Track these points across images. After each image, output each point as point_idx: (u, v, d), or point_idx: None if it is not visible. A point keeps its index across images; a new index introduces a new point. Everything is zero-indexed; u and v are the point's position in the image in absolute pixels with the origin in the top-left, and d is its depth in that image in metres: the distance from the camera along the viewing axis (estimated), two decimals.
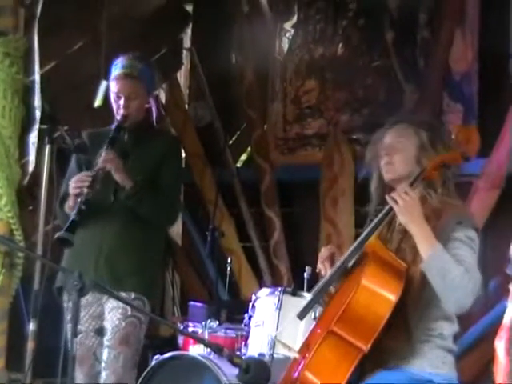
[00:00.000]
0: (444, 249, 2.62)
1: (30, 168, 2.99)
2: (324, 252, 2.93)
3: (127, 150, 3.50)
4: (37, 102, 2.74)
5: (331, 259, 2.90)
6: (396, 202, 2.68)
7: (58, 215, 3.51)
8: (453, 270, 2.58)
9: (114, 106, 3.52)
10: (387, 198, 2.74)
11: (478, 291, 2.61)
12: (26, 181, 2.95)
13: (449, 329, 2.74)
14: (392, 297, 2.58)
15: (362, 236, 2.80)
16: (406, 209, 2.66)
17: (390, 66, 5.60)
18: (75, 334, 2.33)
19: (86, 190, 3.34)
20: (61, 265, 3.36)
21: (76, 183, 3.38)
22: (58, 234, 3.28)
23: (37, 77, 2.69)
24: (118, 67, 3.52)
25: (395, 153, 2.84)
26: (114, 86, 3.51)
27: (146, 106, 3.58)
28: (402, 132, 2.88)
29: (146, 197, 3.45)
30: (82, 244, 3.38)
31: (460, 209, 2.81)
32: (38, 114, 2.77)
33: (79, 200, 3.34)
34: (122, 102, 3.48)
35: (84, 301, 3.43)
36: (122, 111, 3.48)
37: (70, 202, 3.44)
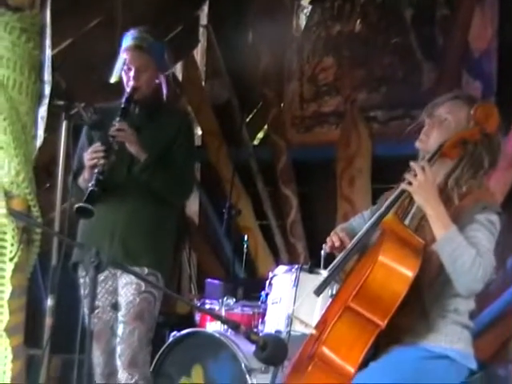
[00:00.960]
0: (458, 231, 2.60)
1: (38, 143, 2.98)
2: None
3: (139, 124, 3.50)
4: (46, 76, 2.73)
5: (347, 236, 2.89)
6: (410, 183, 2.66)
7: (72, 190, 3.51)
8: (464, 253, 2.56)
9: (125, 78, 3.53)
10: (406, 176, 2.71)
11: (490, 275, 2.58)
12: (34, 156, 2.94)
13: (465, 304, 2.72)
14: (409, 273, 2.57)
15: (378, 213, 2.78)
16: (420, 189, 2.64)
17: (408, 43, 5.57)
18: (93, 310, 2.35)
19: (102, 161, 3.35)
20: (76, 241, 3.38)
21: (91, 154, 3.39)
22: (77, 205, 3.29)
23: (48, 51, 2.68)
24: (128, 39, 3.53)
25: (438, 127, 2.80)
26: (123, 57, 3.52)
27: (156, 81, 3.57)
28: (456, 110, 2.81)
29: (160, 171, 3.45)
30: (96, 221, 3.38)
31: (485, 195, 2.75)
32: (47, 89, 2.76)
33: (96, 171, 3.34)
34: (132, 73, 3.49)
35: (100, 276, 3.45)
36: (131, 83, 3.48)
37: (85, 175, 3.45)
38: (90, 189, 3.32)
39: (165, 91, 3.61)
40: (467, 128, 2.76)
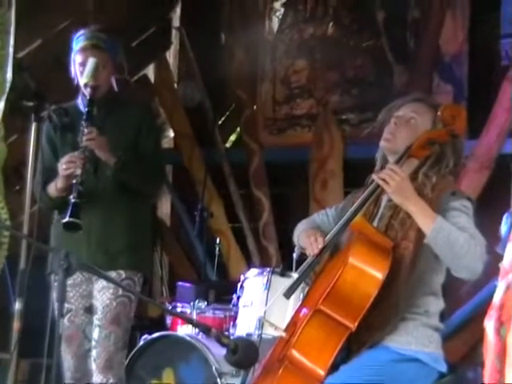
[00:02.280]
0: (444, 220, 2.61)
1: None
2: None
3: (100, 124, 3.46)
4: (9, 74, 2.71)
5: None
6: (386, 182, 2.66)
7: (41, 198, 3.47)
8: (459, 237, 2.57)
9: (81, 79, 3.48)
10: (375, 177, 2.72)
11: (485, 254, 2.60)
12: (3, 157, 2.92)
13: (435, 305, 2.73)
14: (379, 275, 2.57)
15: (347, 214, 2.78)
16: (398, 188, 2.65)
17: (380, 46, 5.59)
18: (62, 313, 2.32)
19: (79, 171, 3.31)
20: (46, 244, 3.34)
21: (67, 164, 3.35)
22: (65, 220, 3.25)
23: (10, 50, 2.66)
24: (81, 39, 3.49)
25: (404, 126, 2.80)
26: (79, 58, 3.47)
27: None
28: (421, 110, 2.83)
29: (133, 168, 3.43)
30: None
31: (451, 184, 2.79)
32: (7, 86, 2.73)
33: (75, 182, 3.30)
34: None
35: (73, 280, 3.43)
36: (91, 83, 3.44)
37: (58, 184, 3.40)
38: (73, 201, 3.27)
39: (115, 86, 3.57)
40: (435, 129, 2.77)
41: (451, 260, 2.61)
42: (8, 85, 2.69)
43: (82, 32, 3.51)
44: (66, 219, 3.25)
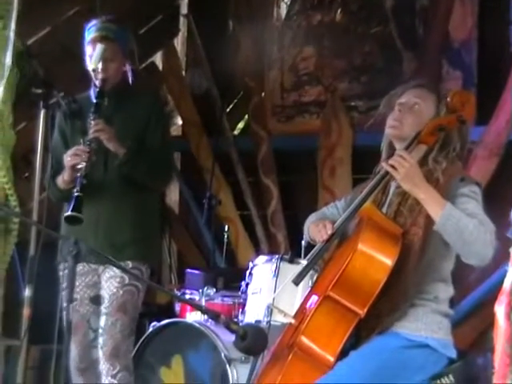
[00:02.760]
0: (453, 206, 2.61)
1: None
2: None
3: (110, 116, 3.47)
4: (8, 59, 2.71)
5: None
6: (395, 169, 2.65)
7: (50, 189, 3.48)
8: (468, 224, 2.57)
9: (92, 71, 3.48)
10: (384, 165, 2.72)
11: (495, 240, 2.59)
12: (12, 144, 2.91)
13: (444, 292, 2.73)
14: (388, 261, 2.57)
15: (356, 201, 2.77)
16: (408, 175, 2.64)
17: (388, 33, 5.56)
18: (71, 299, 2.33)
19: (84, 164, 3.31)
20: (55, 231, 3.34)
21: (72, 157, 3.36)
22: (66, 214, 3.26)
23: (11, 34, 2.65)
24: (92, 30, 3.48)
25: (409, 112, 2.80)
26: (90, 50, 3.48)
27: (123, 69, 3.54)
28: (423, 96, 2.83)
29: (140, 161, 3.43)
30: None
31: (460, 169, 2.80)
32: (6, 71, 2.73)
33: (79, 175, 3.31)
34: (100, 65, 3.44)
35: (80, 270, 3.44)
36: (101, 75, 3.44)
37: (64, 176, 3.42)
38: (75, 195, 3.27)
39: (130, 78, 3.57)
40: (444, 114, 2.76)
41: (461, 247, 2.61)
42: (7, 69, 2.69)
43: (93, 23, 3.50)
44: (67, 213, 3.25)
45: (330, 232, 2.77)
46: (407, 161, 2.65)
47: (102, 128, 3.37)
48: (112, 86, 3.49)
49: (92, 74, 3.48)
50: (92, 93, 3.52)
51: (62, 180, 3.43)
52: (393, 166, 2.66)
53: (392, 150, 2.85)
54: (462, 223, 2.57)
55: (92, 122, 3.37)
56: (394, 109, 2.85)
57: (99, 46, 3.42)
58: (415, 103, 2.82)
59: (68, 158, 3.37)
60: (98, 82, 3.45)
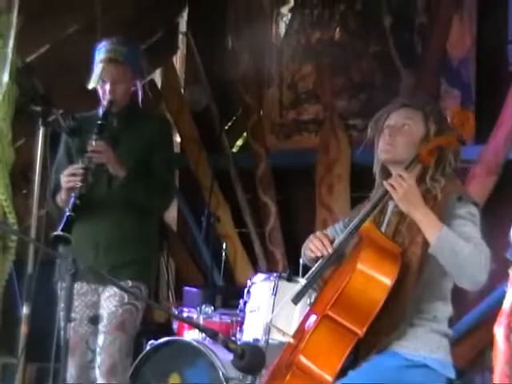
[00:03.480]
0: (450, 229, 2.61)
1: None
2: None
3: (117, 136, 3.47)
4: (5, 76, 2.71)
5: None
6: (395, 189, 2.65)
7: (49, 206, 3.47)
8: (464, 248, 2.57)
9: (100, 92, 3.48)
10: (385, 184, 2.71)
11: (490, 265, 2.58)
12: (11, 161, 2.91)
13: (443, 311, 2.72)
14: (387, 281, 2.57)
15: (356, 220, 2.77)
16: (406, 196, 2.64)
17: (387, 51, 5.58)
18: (69, 319, 2.32)
19: (79, 184, 3.30)
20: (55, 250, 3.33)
21: (68, 177, 3.35)
22: (55, 233, 3.24)
23: (9, 52, 2.66)
24: (102, 51, 3.47)
25: (400, 135, 2.79)
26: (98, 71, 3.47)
27: (132, 89, 3.54)
28: (412, 115, 2.81)
29: (140, 184, 3.43)
30: (79, 237, 3.32)
31: (458, 186, 2.79)
32: (5, 88, 2.74)
33: (73, 195, 3.30)
34: (107, 86, 3.43)
35: (79, 289, 3.43)
36: (107, 96, 3.44)
37: (62, 195, 3.41)
38: (66, 214, 3.26)
39: (140, 97, 3.58)
40: (444, 135, 2.76)
41: (455, 270, 2.60)
42: (4, 87, 2.70)
43: (103, 44, 3.49)
44: (55, 232, 3.23)
45: (329, 250, 2.76)
46: (406, 181, 2.64)
47: (99, 150, 3.35)
48: (121, 106, 3.48)
49: (100, 92, 3.48)
50: (100, 112, 3.51)
51: (61, 199, 3.43)
52: (392, 186, 2.66)
53: (385, 175, 2.84)
54: (458, 247, 2.57)
55: (93, 143, 3.36)
56: (382, 131, 2.83)
57: (99, 66, 3.42)
58: (404, 124, 2.79)
59: (64, 179, 3.36)
60: (105, 103, 3.45)
